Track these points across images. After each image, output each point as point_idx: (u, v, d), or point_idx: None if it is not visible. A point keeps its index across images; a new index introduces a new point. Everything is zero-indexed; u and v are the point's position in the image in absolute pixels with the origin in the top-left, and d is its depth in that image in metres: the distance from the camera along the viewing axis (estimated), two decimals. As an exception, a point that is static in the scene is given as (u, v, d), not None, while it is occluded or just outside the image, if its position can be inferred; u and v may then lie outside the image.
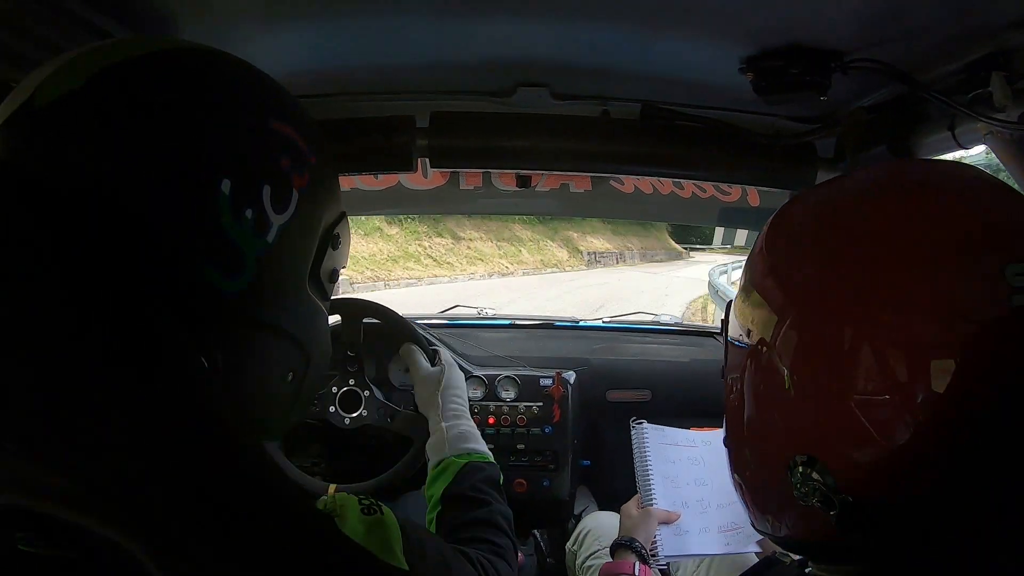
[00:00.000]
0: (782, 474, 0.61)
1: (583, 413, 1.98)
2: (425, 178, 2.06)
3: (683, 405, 2.06)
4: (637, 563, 1.28)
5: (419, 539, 0.73)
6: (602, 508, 1.98)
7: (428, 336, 1.76)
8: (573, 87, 1.38)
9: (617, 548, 1.35)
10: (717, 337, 2.35)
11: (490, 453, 1.19)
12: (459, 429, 1.21)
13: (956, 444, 0.53)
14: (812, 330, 0.59)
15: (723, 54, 1.14)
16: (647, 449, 1.55)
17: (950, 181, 0.61)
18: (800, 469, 0.58)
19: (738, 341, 0.68)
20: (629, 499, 1.76)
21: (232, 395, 0.56)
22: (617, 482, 2.07)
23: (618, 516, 1.55)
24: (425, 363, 1.46)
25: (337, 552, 0.50)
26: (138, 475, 0.41)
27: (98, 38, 0.94)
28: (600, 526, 1.69)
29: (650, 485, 1.48)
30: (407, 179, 2.06)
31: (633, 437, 1.58)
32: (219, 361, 0.54)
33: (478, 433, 1.24)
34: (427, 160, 1.47)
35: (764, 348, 0.62)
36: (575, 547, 1.71)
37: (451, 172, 2.02)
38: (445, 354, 1.48)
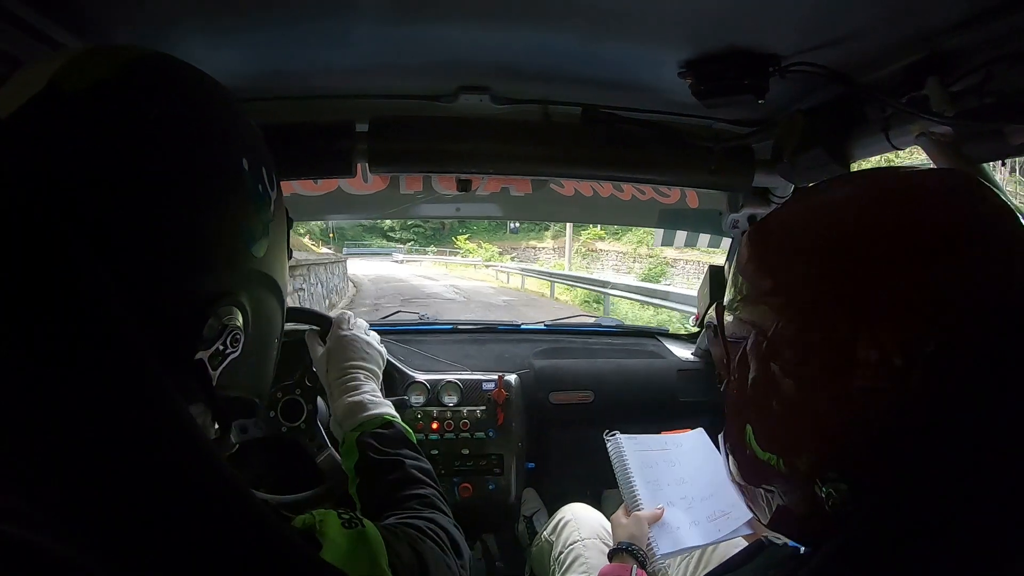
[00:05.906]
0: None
1: (527, 416, 1.97)
2: (365, 183, 2.03)
3: (626, 404, 2.08)
4: (635, 567, 1.30)
5: (394, 541, 0.72)
6: (550, 510, 1.97)
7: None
8: (514, 91, 1.37)
9: (615, 554, 1.36)
10: (658, 337, 2.40)
11: (388, 409, 1.14)
12: (345, 403, 1.15)
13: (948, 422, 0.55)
14: (807, 327, 0.61)
15: (663, 58, 1.15)
16: (625, 458, 1.56)
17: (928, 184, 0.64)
18: (829, 486, 0.59)
19: (734, 338, 0.71)
20: (576, 500, 1.77)
21: (250, 357, 0.64)
22: (564, 483, 2.08)
23: (594, 509, 1.57)
24: (318, 346, 1.33)
25: None
26: (101, 497, 0.42)
27: (37, 39, 0.92)
28: (579, 517, 1.67)
29: (634, 491, 1.49)
30: (347, 184, 2.03)
31: (609, 449, 1.59)
32: (248, 314, 0.63)
33: (371, 397, 1.16)
34: (367, 164, 1.44)
35: (764, 342, 0.64)
36: (552, 536, 1.68)
37: (392, 176, 1.99)
38: (344, 323, 1.32)
